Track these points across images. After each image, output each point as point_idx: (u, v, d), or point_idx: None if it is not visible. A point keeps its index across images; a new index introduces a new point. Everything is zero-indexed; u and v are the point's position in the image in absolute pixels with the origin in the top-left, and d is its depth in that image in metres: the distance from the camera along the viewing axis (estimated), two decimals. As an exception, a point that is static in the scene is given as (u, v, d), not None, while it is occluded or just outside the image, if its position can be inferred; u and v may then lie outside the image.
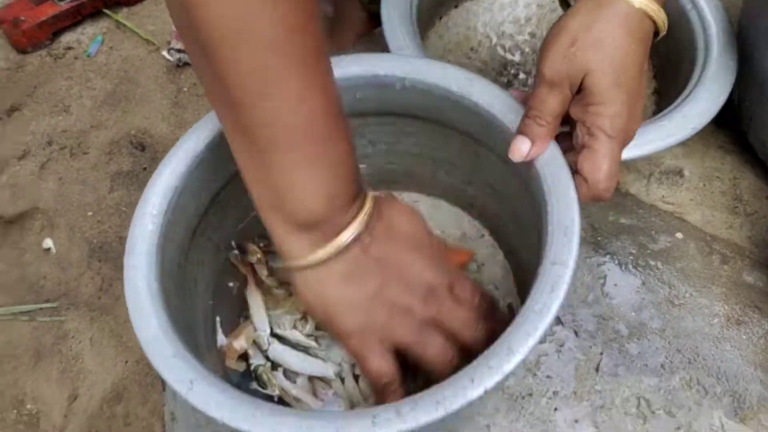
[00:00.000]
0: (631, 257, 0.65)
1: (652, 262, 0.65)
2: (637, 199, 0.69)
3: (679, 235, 0.67)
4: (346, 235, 0.44)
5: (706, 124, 0.61)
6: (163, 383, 0.62)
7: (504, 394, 0.57)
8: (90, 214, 0.85)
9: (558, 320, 0.61)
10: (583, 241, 0.66)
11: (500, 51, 0.81)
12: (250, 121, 0.41)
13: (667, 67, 0.75)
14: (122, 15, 1.07)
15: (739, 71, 0.69)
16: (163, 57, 1.02)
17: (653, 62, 0.78)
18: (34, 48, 1.03)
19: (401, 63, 0.53)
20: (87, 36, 1.05)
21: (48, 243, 0.83)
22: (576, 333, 0.60)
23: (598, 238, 0.66)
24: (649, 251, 0.65)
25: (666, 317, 0.61)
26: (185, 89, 0.99)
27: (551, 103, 0.47)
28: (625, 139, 0.47)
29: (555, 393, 0.57)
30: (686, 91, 0.65)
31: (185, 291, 0.51)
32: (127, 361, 0.73)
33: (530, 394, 0.57)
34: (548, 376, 0.58)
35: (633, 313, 0.61)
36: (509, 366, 0.38)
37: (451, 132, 0.56)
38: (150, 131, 0.94)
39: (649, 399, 0.56)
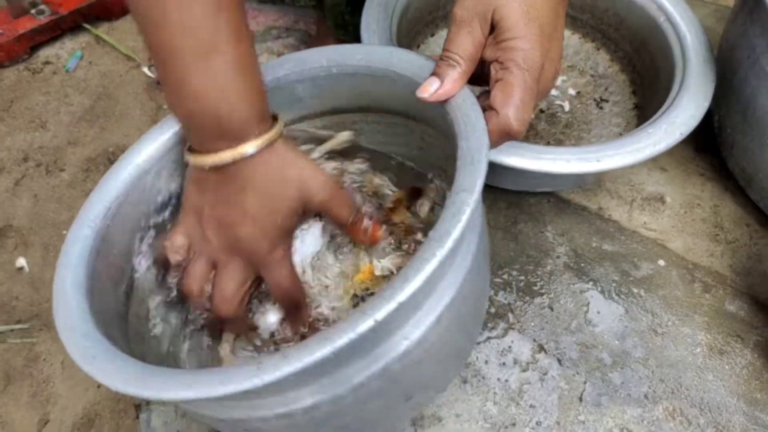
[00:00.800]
0: (614, 284, 0.65)
1: (635, 290, 0.64)
2: (619, 225, 0.69)
3: (661, 262, 0.66)
4: (216, 159, 0.45)
5: (692, 129, 0.61)
6: (137, 409, 0.60)
7: (486, 423, 0.56)
8: (65, 232, 0.83)
9: (541, 348, 0.61)
10: (566, 267, 0.66)
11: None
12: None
13: (645, 80, 0.75)
14: (102, 30, 1.06)
15: (720, 98, 0.70)
16: (144, 73, 1.01)
17: (631, 78, 0.79)
18: (12, 62, 1.02)
19: (328, 51, 0.54)
20: (66, 51, 1.04)
21: (21, 262, 0.81)
22: (559, 361, 0.60)
23: (581, 264, 0.66)
24: (631, 278, 0.65)
25: (649, 346, 0.61)
26: (165, 106, 0.97)
27: (461, 42, 0.47)
28: (542, 79, 0.47)
29: (538, 423, 0.56)
30: (669, 100, 0.65)
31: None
32: (99, 386, 0.71)
33: (513, 424, 0.56)
34: (531, 406, 0.57)
35: (616, 342, 0.61)
36: (403, 295, 0.36)
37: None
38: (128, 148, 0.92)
39: (632, 430, 0.56)
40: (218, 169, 0.45)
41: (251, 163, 0.45)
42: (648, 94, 0.75)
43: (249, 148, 0.44)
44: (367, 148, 0.60)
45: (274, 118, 0.48)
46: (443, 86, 0.47)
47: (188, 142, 0.48)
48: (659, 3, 0.73)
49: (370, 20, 0.69)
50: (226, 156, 0.44)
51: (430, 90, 0.47)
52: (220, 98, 0.43)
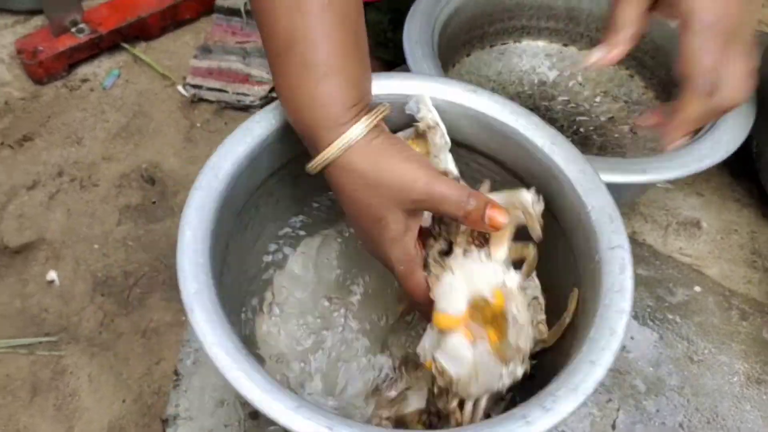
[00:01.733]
0: (649, 310, 0.63)
1: (670, 316, 0.63)
2: (654, 249, 0.68)
3: (697, 288, 0.65)
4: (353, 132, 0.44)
5: (737, 147, 0.61)
6: (163, 424, 0.60)
7: (515, 449, 0.55)
8: (96, 247, 0.84)
9: (572, 373, 0.59)
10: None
11: (514, 98, 0.81)
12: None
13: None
14: (140, 49, 1.08)
15: (759, 123, 0.69)
16: (178, 92, 1.02)
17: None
18: (50, 79, 1.04)
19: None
20: (103, 69, 1.06)
21: (52, 275, 0.82)
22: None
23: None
24: (666, 304, 0.64)
25: (684, 374, 0.59)
26: (198, 125, 0.99)
27: (626, 10, 0.49)
28: (729, 33, 0.47)
29: (569, 449, 0.55)
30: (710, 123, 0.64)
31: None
32: (125, 400, 0.71)
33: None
34: (562, 432, 0.56)
35: (650, 369, 0.59)
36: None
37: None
38: (161, 165, 0.93)
39: (667, 460, 0.54)
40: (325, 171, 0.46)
41: (335, 171, 0.45)
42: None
43: (330, 152, 0.44)
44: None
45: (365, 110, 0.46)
46: (608, 55, 0.50)
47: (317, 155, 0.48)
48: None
49: (413, 30, 0.68)
50: (315, 162, 0.45)
51: (594, 57, 0.50)
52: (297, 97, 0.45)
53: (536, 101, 0.80)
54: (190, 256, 0.44)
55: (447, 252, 0.49)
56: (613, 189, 0.54)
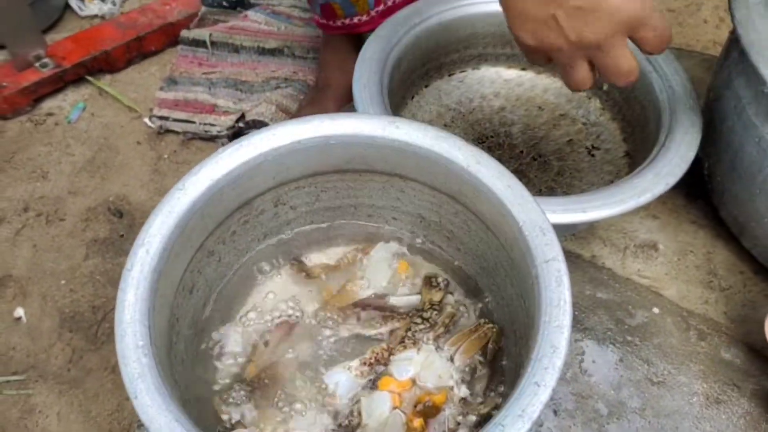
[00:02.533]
0: (609, 332, 0.65)
1: (630, 338, 0.64)
2: (613, 272, 0.70)
3: (655, 310, 0.67)
4: None
5: (678, 179, 0.62)
6: (131, 464, 0.59)
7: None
8: (63, 282, 0.84)
9: (536, 398, 0.60)
10: (561, 315, 0.66)
11: (474, 125, 0.82)
12: None
13: (636, 129, 0.77)
14: (105, 82, 1.08)
15: (709, 146, 0.71)
16: (145, 124, 1.02)
17: (621, 126, 0.80)
18: (15, 114, 1.04)
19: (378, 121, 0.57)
20: (69, 102, 1.06)
21: (19, 312, 0.81)
22: (555, 412, 0.59)
23: (575, 313, 0.66)
24: (626, 326, 0.65)
25: (645, 396, 0.61)
26: (165, 156, 0.99)
27: None
28: None
29: (534, 475, 0.56)
30: (655, 150, 0.66)
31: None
32: (94, 439, 0.71)
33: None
34: (527, 458, 0.57)
35: (612, 392, 0.61)
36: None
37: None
38: (128, 198, 0.93)
39: (629, 482, 0.55)
40: None
41: None
42: (638, 142, 0.76)
43: None
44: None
45: None
46: None
47: None
48: (648, 53, 0.75)
49: (363, 73, 0.71)
50: None
51: None
52: None
53: (496, 127, 0.82)
54: (130, 341, 0.45)
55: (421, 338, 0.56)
56: (561, 226, 0.56)
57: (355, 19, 0.90)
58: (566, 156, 0.79)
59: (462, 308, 0.58)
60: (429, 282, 0.59)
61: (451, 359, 0.55)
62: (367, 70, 0.71)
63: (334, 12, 0.89)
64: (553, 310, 0.45)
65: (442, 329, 0.56)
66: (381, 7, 0.89)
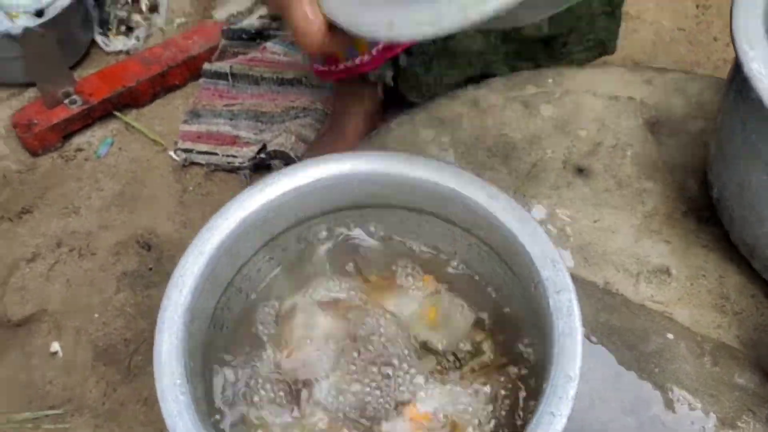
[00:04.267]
0: (625, 359, 0.66)
1: (645, 365, 0.66)
2: (626, 298, 0.71)
3: (669, 335, 0.68)
4: None
5: None
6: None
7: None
8: (96, 315, 0.88)
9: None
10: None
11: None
12: None
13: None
14: (131, 116, 1.12)
15: (718, 170, 0.72)
16: (170, 157, 1.06)
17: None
18: (45, 150, 1.08)
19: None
20: (97, 138, 1.10)
21: (55, 346, 0.85)
22: (571, 440, 0.61)
23: (592, 339, 0.68)
24: (641, 353, 0.67)
25: (662, 421, 0.62)
26: (191, 188, 1.02)
27: None
28: None
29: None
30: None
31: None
32: (131, 472, 0.74)
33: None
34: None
35: (629, 419, 0.62)
36: None
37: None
38: (156, 231, 0.97)
39: None
40: None
41: None
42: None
43: None
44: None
45: None
46: None
47: None
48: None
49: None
50: None
51: None
52: None
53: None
54: (168, 380, 0.48)
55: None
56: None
57: (357, 60, 0.92)
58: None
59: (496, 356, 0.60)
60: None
61: (476, 393, 0.56)
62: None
63: (335, 56, 0.92)
64: (565, 339, 0.47)
65: (468, 370, 0.58)
66: (380, 45, 0.90)
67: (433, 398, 0.56)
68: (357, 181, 0.62)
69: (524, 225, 0.55)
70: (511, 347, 0.59)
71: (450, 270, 0.64)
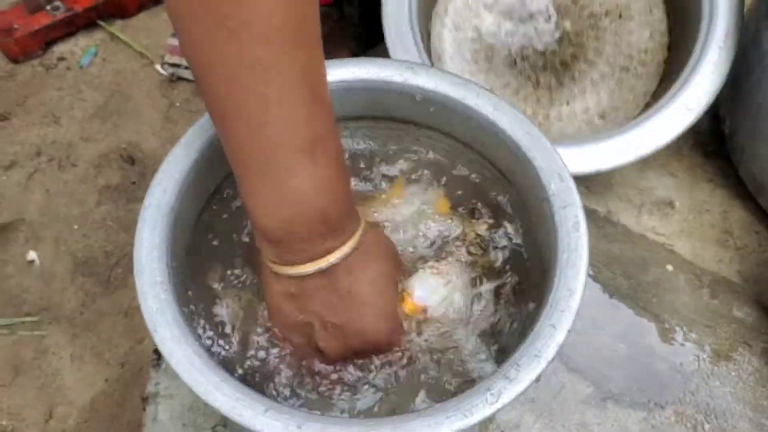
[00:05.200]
0: (621, 288, 0.65)
1: (642, 294, 0.64)
2: (627, 228, 0.69)
3: (669, 267, 0.66)
4: (324, 263, 0.41)
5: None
6: (143, 402, 0.60)
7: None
8: (76, 227, 0.84)
9: (546, 350, 0.61)
10: (574, 270, 0.66)
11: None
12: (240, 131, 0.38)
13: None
14: (117, 27, 1.07)
15: (731, 102, 0.70)
16: (157, 71, 1.01)
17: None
18: (27, 57, 1.03)
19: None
20: (80, 47, 1.05)
21: (32, 255, 0.82)
22: (566, 365, 0.60)
23: (589, 267, 0.66)
24: (639, 282, 0.65)
25: (656, 350, 0.61)
26: (177, 104, 0.98)
27: None
28: None
29: (544, 424, 0.56)
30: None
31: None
32: (107, 379, 0.72)
33: (517, 426, 0.56)
34: (532, 400, 0.57)
35: (622, 345, 0.61)
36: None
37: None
38: (140, 145, 0.93)
39: (636, 433, 0.56)
40: (322, 273, 0.41)
41: (359, 253, 0.42)
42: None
43: (356, 238, 0.42)
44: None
45: None
46: None
47: (268, 257, 0.42)
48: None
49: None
50: (335, 255, 0.41)
51: None
52: (329, 195, 0.39)
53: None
54: (148, 277, 0.45)
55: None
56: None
57: None
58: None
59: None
60: (472, 213, 0.58)
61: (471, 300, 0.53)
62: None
63: None
64: (570, 254, 0.45)
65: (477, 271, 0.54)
66: None
67: (433, 292, 0.53)
68: (357, 89, 0.58)
69: (531, 137, 0.52)
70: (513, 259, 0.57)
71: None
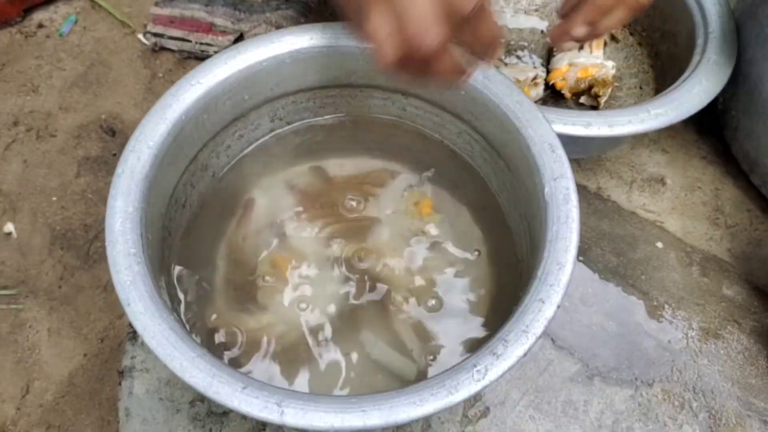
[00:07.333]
0: (611, 265, 0.64)
1: (631, 271, 0.63)
2: (617, 205, 0.68)
3: (659, 244, 0.65)
4: None
5: (700, 107, 0.61)
6: (119, 375, 0.59)
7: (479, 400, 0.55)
8: (54, 199, 0.82)
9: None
10: (563, 247, 0.65)
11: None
12: None
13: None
14: (98, -5, 1.04)
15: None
16: (139, 40, 0.98)
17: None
18: (4, 24, 0.99)
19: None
20: (60, 15, 1.01)
21: (9, 227, 0.79)
22: (553, 341, 0.59)
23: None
24: (629, 259, 0.64)
25: (644, 328, 0.60)
26: (160, 75, 0.95)
27: None
28: None
29: (530, 401, 0.55)
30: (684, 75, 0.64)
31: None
32: (85, 354, 0.70)
33: (502, 403, 0.55)
34: (519, 379, 0.56)
35: (610, 322, 0.60)
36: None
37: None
38: (121, 116, 0.90)
39: (624, 411, 0.55)
40: None
41: None
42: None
43: None
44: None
45: None
46: None
47: None
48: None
49: None
50: None
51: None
52: None
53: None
54: (121, 248, 0.43)
55: None
56: (580, 143, 0.53)
57: None
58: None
59: None
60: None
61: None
62: None
63: None
64: (560, 227, 0.44)
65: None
66: None
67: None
68: (339, 55, 0.56)
69: (523, 107, 0.51)
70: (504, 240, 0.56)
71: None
